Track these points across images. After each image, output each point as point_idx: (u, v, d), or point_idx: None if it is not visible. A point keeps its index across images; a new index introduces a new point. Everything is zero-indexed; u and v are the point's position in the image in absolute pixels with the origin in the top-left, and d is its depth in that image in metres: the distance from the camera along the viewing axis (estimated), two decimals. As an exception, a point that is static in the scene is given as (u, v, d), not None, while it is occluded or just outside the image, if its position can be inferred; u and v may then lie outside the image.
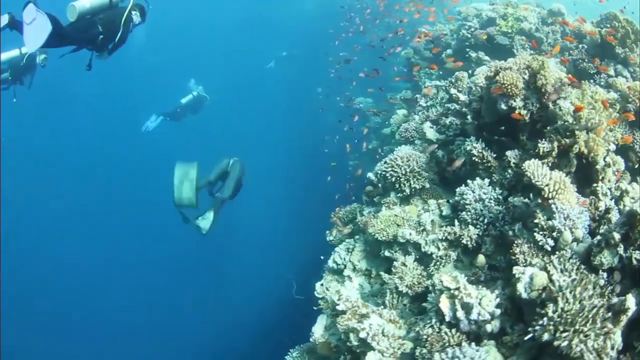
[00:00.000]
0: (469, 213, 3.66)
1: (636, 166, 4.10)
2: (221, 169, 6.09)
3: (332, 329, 3.74)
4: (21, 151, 16.16)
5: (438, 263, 3.64)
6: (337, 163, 9.26)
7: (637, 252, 2.56)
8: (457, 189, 3.94)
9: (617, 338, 2.43)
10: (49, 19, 3.52)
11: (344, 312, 3.30)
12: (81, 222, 16.59)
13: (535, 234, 3.02)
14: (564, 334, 2.32)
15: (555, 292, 2.52)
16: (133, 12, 4.31)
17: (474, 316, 2.75)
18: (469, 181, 3.88)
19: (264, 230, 13.63)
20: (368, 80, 7.90)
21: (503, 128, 3.79)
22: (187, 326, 13.26)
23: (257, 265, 13.06)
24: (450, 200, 4.06)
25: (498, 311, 2.73)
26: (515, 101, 3.53)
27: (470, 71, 5.97)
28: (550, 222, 3.00)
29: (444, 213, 4.13)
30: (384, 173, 4.52)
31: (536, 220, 3.05)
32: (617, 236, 2.73)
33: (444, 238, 3.64)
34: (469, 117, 4.74)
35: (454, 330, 2.83)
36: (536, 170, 3.13)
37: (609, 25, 4.71)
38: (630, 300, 2.39)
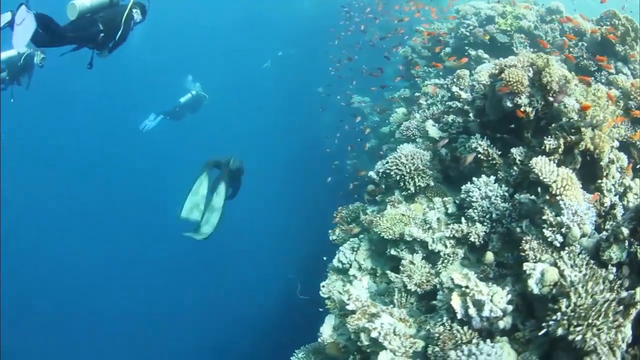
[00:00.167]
0: (475, 210, 3.70)
1: (638, 165, 4.19)
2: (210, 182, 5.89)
3: (341, 329, 3.76)
4: (20, 151, 16.19)
5: (446, 261, 3.68)
6: (336, 162, 9.30)
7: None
8: (463, 187, 3.98)
9: (627, 331, 2.49)
10: (36, 19, 3.51)
11: (353, 312, 3.32)
12: (81, 222, 16.66)
13: (544, 230, 3.07)
14: (578, 328, 2.37)
15: (567, 287, 2.57)
16: (134, 10, 4.30)
17: (485, 313, 2.79)
18: (474, 179, 3.93)
19: (264, 231, 13.69)
20: (367, 79, 7.94)
21: (509, 125, 3.84)
22: (187, 326, 13.30)
23: (257, 265, 13.11)
24: (457, 200, 4.10)
25: (510, 307, 2.78)
26: (520, 98, 3.58)
27: (471, 70, 6.06)
28: (558, 218, 3.06)
29: (449, 211, 4.17)
30: (388, 171, 4.55)
31: (544, 217, 3.10)
32: (625, 231, 2.79)
33: (451, 236, 3.69)
34: (471, 114, 4.80)
35: (465, 328, 2.86)
36: (544, 167, 3.19)
37: (608, 23, 4.80)
38: (640, 294, 2.45)
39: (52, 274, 14.64)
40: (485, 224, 3.66)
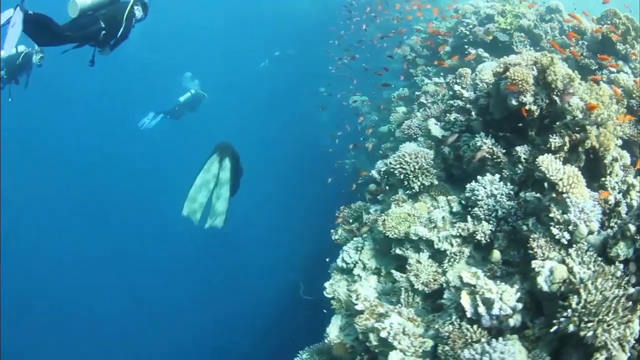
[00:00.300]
0: (481, 209, 3.74)
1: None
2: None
3: (347, 329, 3.78)
4: (19, 150, 16.25)
5: (452, 260, 3.71)
6: (334, 162, 9.34)
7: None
8: (468, 185, 4.02)
9: (635, 327, 2.54)
10: (24, 20, 3.49)
11: (361, 312, 3.34)
12: (80, 221, 16.71)
13: (551, 227, 3.11)
14: (589, 324, 2.41)
15: (577, 284, 2.61)
16: (135, 7, 4.29)
17: (495, 311, 2.82)
18: (479, 177, 3.97)
19: (264, 231, 13.75)
20: (368, 78, 7.97)
21: (514, 124, 3.89)
22: (187, 327, 13.34)
23: (257, 265, 13.16)
24: (461, 198, 4.13)
25: (519, 305, 2.81)
26: (525, 97, 3.63)
27: (471, 68, 6.12)
28: (565, 216, 3.10)
29: (454, 210, 4.21)
30: (392, 170, 4.58)
31: (551, 214, 3.15)
32: (632, 228, 2.85)
33: (457, 234, 3.72)
34: (473, 113, 4.85)
35: (475, 327, 2.89)
36: (550, 164, 3.24)
37: (609, 22, 4.88)
38: (649, 290, 2.50)
39: (51, 274, 14.71)
40: (491, 222, 3.70)
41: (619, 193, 3.83)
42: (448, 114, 5.24)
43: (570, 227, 3.09)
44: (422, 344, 3.02)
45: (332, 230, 5.45)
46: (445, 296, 3.47)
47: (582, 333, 2.42)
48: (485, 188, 3.82)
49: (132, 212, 16.82)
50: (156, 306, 13.88)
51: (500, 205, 3.72)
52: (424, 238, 3.91)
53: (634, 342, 2.53)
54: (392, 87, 8.05)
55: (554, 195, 3.25)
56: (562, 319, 2.51)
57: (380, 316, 3.24)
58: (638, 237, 2.83)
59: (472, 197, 3.89)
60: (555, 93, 3.64)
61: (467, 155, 4.50)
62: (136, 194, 17.46)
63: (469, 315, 2.91)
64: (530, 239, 3.18)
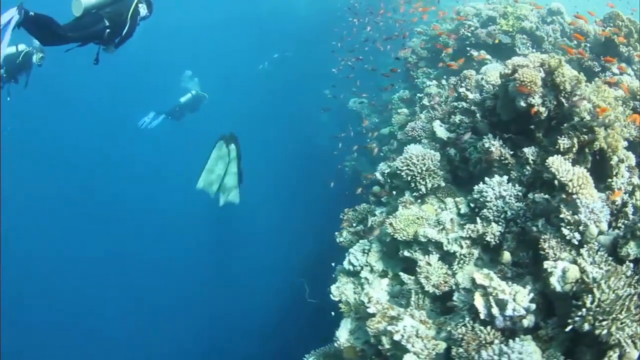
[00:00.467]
0: (490, 210, 3.81)
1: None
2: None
3: (357, 332, 3.82)
4: (19, 150, 16.27)
5: (462, 261, 3.78)
6: (334, 163, 9.41)
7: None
8: (476, 187, 4.10)
9: (646, 325, 2.62)
10: (18, 22, 3.51)
11: (373, 315, 3.38)
12: (80, 221, 16.76)
13: (562, 228, 3.19)
14: (604, 323, 2.48)
15: (590, 284, 2.68)
16: (140, 5, 4.32)
17: (509, 312, 2.89)
18: (487, 179, 4.05)
19: (264, 232, 13.82)
20: (370, 80, 8.06)
21: (521, 125, 3.98)
22: (187, 328, 13.37)
23: (258, 266, 13.21)
24: (470, 201, 4.20)
25: (533, 306, 2.88)
26: (534, 98, 3.72)
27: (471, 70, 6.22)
28: (576, 217, 3.18)
29: (461, 211, 4.28)
30: (398, 172, 4.64)
31: (562, 215, 3.23)
32: (643, 228, 2.94)
33: (467, 236, 3.78)
34: (478, 115, 4.93)
35: (488, 328, 2.95)
36: (560, 166, 3.32)
37: (612, 25, 5.01)
38: (660, 289, 2.58)
39: (51, 273, 14.76)
40: (500, 223, 3.77)
41: (625, 194, 3.93)
42: (453, 116, 5.33)
43: (581, 228, 3.17)
44: (436, 347, 3.08)
45: (336, 233, 5.49)
46: (455, 298, 3.53)
47: (597, 331, 2.49)
48: (493, 189, 3.89)
49: (132, 212, 16.95)
50: (156, 307, 13.97)
51: (509, 206, 3.79)
52: (433, 240, 3.97)
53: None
54: (396, 88, 8.15)
55: (563, 196, 3.33)
56: (577, 318, 2.58)
57: (392, 319, 3.28)
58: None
59: (481, 199, 3.97)
60: (562, 95, 3.73)
61: (473, 157, 4.58)
62: (136, 194, 17.61)
63: (482, 316, 2.97)
64: (541, 240, 3.25)
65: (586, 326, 2.53)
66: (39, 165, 17.92)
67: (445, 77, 6.87)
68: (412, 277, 4.07)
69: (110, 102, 19.84)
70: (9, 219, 14.12)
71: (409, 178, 4.56)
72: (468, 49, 7.17)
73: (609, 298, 2.59)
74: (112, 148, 18.98)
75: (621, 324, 2.53)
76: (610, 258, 3.01)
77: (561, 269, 2.91)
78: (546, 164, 3.40)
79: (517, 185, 3.93)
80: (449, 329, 3.20)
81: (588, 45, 5.37)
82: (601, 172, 3.98)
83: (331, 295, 4.51)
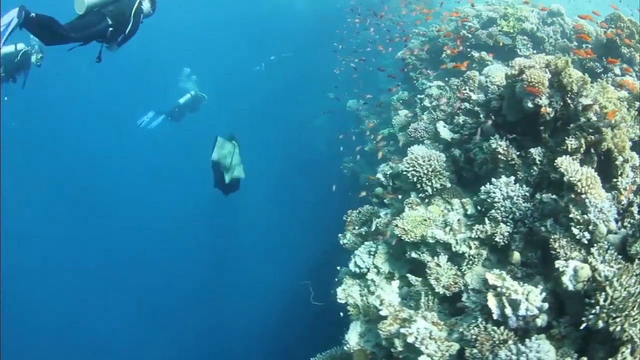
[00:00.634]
0: (498, 211, 3.88)
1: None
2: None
3: (367, 335, 3.86)
4: (19, 149, 16.28)
5: (471, 262, 3.84)
6: (334, 165, 9.48)
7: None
8: (482, 188, 4.17)
9: (658, 322, 2.71)
10: (18, 23, 3.53)
11: (384, 318, 3.42)
12: (80, 221, 16.83)
13: (571, 228, 3.27)
14: (618, 320, 2.55)
15: (603, 282, 2.76)
16: (143, 3, 4.34)
17: (522, 312, 2.95)
18: (494, 179, 4.13)
19: (265, 233, 13.88)
20: (370, 81, 8.13)
21: (527, 126, 4.06)
22: (187, 328, 13.40)
23: (258, 266, 13.25)
24: (476, 201, 4.27)
25: (545, 305, 2.95)
26: (541, 99, 3.81)
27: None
28: (585, 216, 3.27)
29: (468, 212, 4.35)
30: (404, 173, 4.70)
31: (571, 215, 3.31)
32: (652, 227, 3.03)
33: (475, 237, 3.85)
34: (482, 115, 5.03)
35: (502, 328, 3.01)
36: (569, 166, 3.40)
37: (614, 26, 5.14)
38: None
39: (50, 274, 14.80)
40: (509, 224, 3.84)
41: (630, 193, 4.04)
42: (456, 117, 5.42)
43: (590, 227, 3.25)
44: (449, 348, 3.12)
45: (339, 235, 5.54)
46: (464, 299, 3.59)
47: (610, 328, 2.56)
48: (501, 190, 3.97)
49: (133, 212, 17.02)
50: (157, 307, 14.04)
51: (517, 207, 3.87)
52: (441, 241, 4.03)
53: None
54: (399, 88, 8.24)
55: (572, 196, 3.42)
56: (590, 316, 2.65)
57: (404, 321, 3.33)
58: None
59: (488, 199, 4.04)
60: (569, 95, 3.83)
61: (479, 157, 4.66)
62: (136, 193, 17.71)
63: (495, 317, 3.03)
64: (551, 240, 3.33)
65: (600, 323, 2.60)
66: (39, 164, 17.97)
67: (446, 78, 6.97)
68: (420, 279, 4.13)
69: (110, 101, 19.98)
70: (9, 218, 14.15)
71: (415, 179, 4.62)
72: (469, 50, 7.29)
73: (621, 295, 2.67)
74: (111, 148, 19.16)
75: (633, 320, 2.60)
76: (620, 256, 3.10)
77: (573, 268, 2.98)
78: (555, 164, 3.49)
79: (524, 185, 4.01)
80: (460, 330, 3.25)
81: (590, 46, 5.50)
82: (606, 172, 4.09)
83: (338, 298, 4.55)
